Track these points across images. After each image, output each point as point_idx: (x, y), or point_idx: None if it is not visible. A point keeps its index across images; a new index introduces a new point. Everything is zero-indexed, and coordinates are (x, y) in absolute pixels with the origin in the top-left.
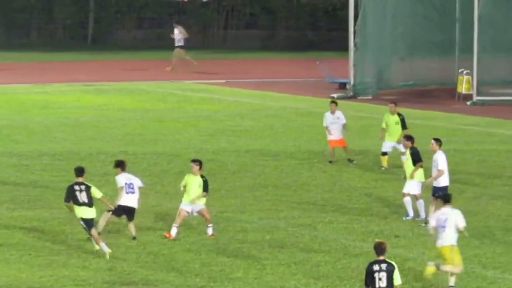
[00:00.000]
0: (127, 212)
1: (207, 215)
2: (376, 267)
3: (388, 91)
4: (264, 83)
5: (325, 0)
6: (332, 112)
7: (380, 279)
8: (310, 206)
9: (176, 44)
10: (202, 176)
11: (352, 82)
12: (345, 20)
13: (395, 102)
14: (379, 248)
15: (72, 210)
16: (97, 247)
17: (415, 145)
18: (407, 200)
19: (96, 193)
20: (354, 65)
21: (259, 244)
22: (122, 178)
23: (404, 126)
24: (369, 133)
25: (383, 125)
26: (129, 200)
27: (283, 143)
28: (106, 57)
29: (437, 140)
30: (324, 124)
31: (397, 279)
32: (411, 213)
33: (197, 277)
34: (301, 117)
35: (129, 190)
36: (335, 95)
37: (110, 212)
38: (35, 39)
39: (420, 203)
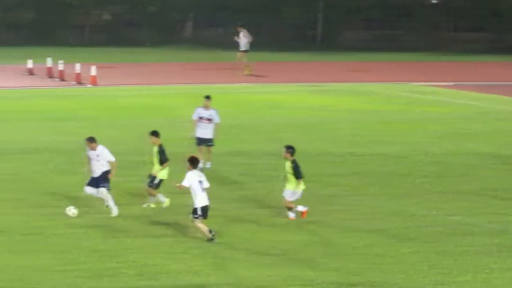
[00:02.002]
0: (205, 211)
1: None
2: None
3: None
4: (492, 86)
5: None
6: None
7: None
8: None
9: (241, 49)
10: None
11: None
12: None
13: None
14: None
15: None
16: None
17: None
18: None
19: None
20: None
21: (487, 248)
22: (194, 176)
23: None
24: None
25: None
26: (204, 199)
27: None
28: (334, 58)
29: None
30: None
31: None
32: None
33: (424, 279)
34: None
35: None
36: None
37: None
38: (264, 39)
39: None
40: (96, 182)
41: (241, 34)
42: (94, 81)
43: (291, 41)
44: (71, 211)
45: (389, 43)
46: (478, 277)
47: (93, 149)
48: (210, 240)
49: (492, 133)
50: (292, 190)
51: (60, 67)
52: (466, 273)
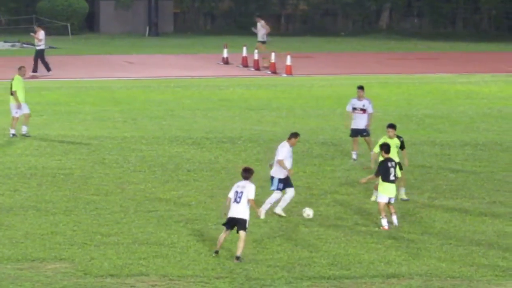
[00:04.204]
0: None
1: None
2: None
3: None
4: None
5: None
6: None
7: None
8: None
9: (259, 39)
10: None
11: None
12: None
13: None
14: None
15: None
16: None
17: None
18: None
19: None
20: None
21: None
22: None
23: None
24: None
25: None
26: None
27: None
28: None
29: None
30: None
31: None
32: None
33: None
34: None
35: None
36: None
37: None
38: (460, 29)
39: None
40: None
41: (259, 25)
42: (289, 71)
43: (488, 31)
44: (306, 212)
45: None
46: None
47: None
48: None
49: None
50: None
51: (255, 56)
52: None
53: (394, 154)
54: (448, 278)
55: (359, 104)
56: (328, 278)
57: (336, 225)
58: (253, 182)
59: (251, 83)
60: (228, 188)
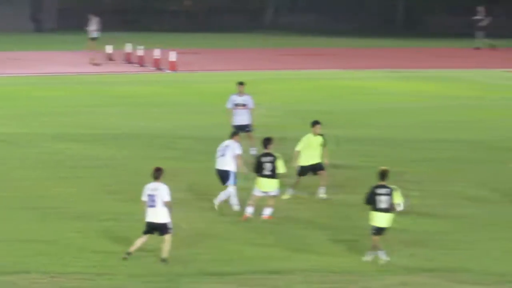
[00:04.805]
0: None
1: None
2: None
3: None
4: None
5: None
6: None
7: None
8: None
9: (90, 36)
10: None
11: None
12: None
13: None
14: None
15: None
16: None
17: None
18: None
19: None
20: None
21: None
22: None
23: None
24: None
25: None
26: None
27: None
28: (416, 44)
29: None
30: None
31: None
32: None
33: (497, 265)
34: None
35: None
36: None
37: None
38: (345, 25)
39: None
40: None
41: (93, 22)
42: (173, 67)
43: (373, 27)
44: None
45: (470, 29)
46: None
47: None
48: None
49: None
50: None
51: (140, 52)
52: None
53: (317, 152)
54: (329, 273)
55: (240, 100)
56: (209, 275)
57: (219, 221)
58: (164, 182)
59: (135, 79)
60: (111, 185)
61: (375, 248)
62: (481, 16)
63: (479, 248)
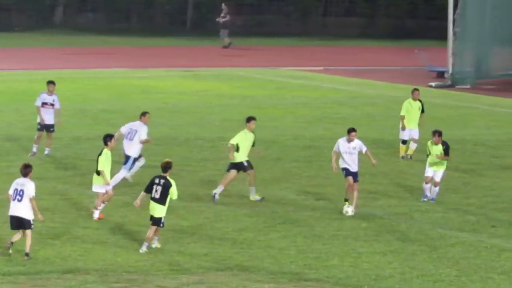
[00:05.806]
0: None
1: None
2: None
3: (487, 80)
4: (362, 71)
5: None
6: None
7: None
8: (407, 195)
9: None
10: None
11: (450, 71)
12: (445, 8)
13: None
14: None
15: None
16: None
17: None
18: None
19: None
20: (453, 54)
21: (355, 232)
22: None
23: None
24: (467, 122)
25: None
26: None
27: (381, 131)
28: (205, 43)
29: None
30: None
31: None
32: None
33: (292, 264)
34: (400, 105)
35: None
36: (433, 84)
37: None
38: (135, 24)
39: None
40: None
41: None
42: None
43: (163, 26)
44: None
45: (260, 28)
46: (345, 261)
47: None
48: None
49: (360, 118)
50: None
51: None
52: (334, 257)
53: (247, 151)
54: (124, 273)
55: (49, 99)
56: (2, 275)
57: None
58: (32, 179)
59: None
60: None
61: (148, 239)
62: (224, 13)
63: (275, 246)
